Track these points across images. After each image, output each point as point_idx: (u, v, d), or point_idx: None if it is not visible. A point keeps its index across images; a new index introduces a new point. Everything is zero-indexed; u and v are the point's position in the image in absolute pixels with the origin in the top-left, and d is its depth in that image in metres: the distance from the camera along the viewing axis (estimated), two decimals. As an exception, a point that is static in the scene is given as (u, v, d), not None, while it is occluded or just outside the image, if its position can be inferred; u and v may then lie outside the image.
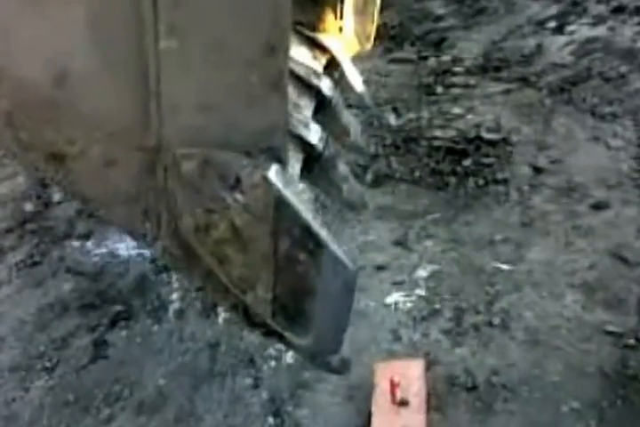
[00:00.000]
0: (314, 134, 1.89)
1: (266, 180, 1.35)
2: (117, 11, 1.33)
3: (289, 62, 1.35)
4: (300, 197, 1.42)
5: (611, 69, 5.12)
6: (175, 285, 3.76)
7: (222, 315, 3.59)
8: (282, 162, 1.37)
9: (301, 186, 1.56)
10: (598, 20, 5.67)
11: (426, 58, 5.44)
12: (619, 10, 5.70)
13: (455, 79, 5.18)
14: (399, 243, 3.95)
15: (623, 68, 5.11)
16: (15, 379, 3.37)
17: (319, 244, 1.42)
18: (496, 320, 3.51)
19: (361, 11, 2.49)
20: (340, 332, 1.59)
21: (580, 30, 5.57)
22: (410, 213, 4.13)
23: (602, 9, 5.79)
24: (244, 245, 1.44)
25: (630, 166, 4.33)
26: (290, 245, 1.42)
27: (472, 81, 5.14)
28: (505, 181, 4.30)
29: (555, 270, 3.74)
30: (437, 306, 3.61)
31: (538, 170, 4.37)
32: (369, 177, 4.34)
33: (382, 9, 5.68)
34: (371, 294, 3.68)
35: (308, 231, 1.41)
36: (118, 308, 3.66)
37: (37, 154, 1.55)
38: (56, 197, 4.43)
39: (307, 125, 1.91)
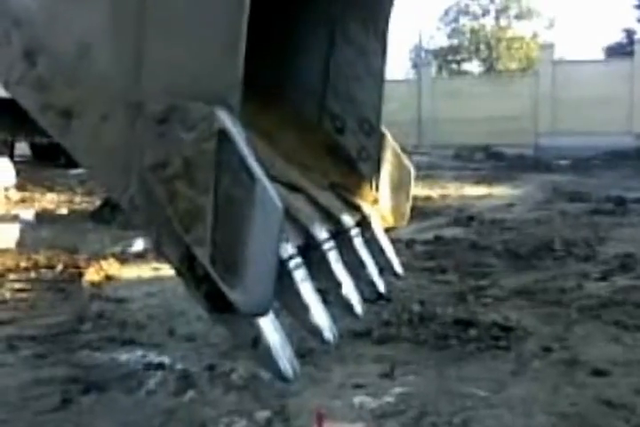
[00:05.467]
0: (317, 228, 2.15)
1: (213, 114, 1.61)
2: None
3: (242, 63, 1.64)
4: (241, 136, 1.61)
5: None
6: (158, 375, 4.15)
7: (188, 395, 3.89)
8: (232, 110, 1.64)
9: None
10: (640, 276, 6.22)
11: (465, 281, 6.05)
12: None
13: (488, 293, 5.70)
14: (385, 375, 4.19)
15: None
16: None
17: (252, 178, 1.55)
18: (456, 421, 3.62)
19: (396, 188, 2.60)
20: (268, 285, 1.59)
21: (623, 280, 6.08)
22: (405, 361, 4.43)
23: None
24: (191, 180, 1.64)
25: (644, 358, 4.47)
26: (228, 179, 1.58)
27: (504, 295, 5.64)
28: (507, 348, 4.56)
29: (533, 402, 3.84)
30: (402, 407, 3.76)
31: (546, 349, 4.58)
32: (375, 336, 4.74)
33: (439, 257, 6.56)
34: (340, 397, 3.89)
35: (243, 165, 1.56)
36: (97, 382, 4.00)
37: (52, 112, 1.96)
38: (85, 327, 5.12)
39: (312, 221, 2.16)
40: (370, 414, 3.69)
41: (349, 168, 2.55)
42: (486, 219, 9.53)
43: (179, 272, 1.80)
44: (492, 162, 21.12)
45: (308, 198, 2.35)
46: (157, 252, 1.87)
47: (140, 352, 4.55)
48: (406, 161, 2.63)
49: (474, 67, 38.58)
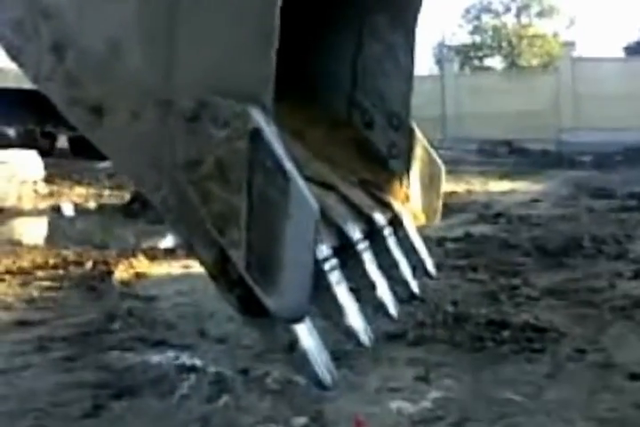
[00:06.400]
0: (351, 228, 2.09)
1: (246, 112, 1.55)
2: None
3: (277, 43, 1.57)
4: (275, 135, 1.55)
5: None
6: (191, 379, 4.03)
7: (223, 400, 3.78)
8: (265, 108, 1.58)
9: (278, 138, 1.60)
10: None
11: (497, 280, 5.91)
12: None
13: (520, 293, 5.56)
14: (421, 378, 4.07)
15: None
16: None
17: (287, 178, 1.49)
18: (497, 428, 3.50)
19: (427, 185, 2.54)
20: (304, 290, 1.53)
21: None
22: (440, 364, 4.30)
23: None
24: (224, 180, 1.58)
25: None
26: (262, 179, 1.53)
27: (536, 295, 5.50)
28: (541, 351, 4.42)
29: (571, 408, 3.72)
30: (440, 413, 3.64)
31: (580, 351, 4.45)
32: (409, 337, 4.62)
33: (469, 255, 6.42)
34: (377, 402, 3.77)
35: (277, 165, 1.51)
36: (129, 386, 3.90)
37: (82, 108, 1.90)
38: (115, 326, 5.02)
39: (346, 221, 2.11)
40: (408, 420, 3.57)
41: (379, 165, 2.49)
42: (513, 215, 9.40)
43: (211, 274, 1.73)
44: (515, 157, 20.90)
45: (339, 197, 2.27)
46: (189, 252, 1.77)
47: (171, 354, 4.45)
48: (436, 158, 2.56)
49: (496, 63, 38.33)
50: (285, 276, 1.52)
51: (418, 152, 2.52)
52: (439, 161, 2.56)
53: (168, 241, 8.09)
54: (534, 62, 35.74)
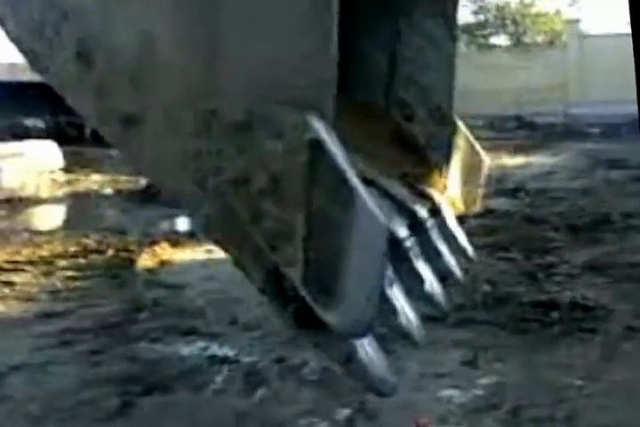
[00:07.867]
0: (397, 226, 2.00)
1: (305, 122, 1.36)
2: None
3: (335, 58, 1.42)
4: (337, 145, 1.38)
5: None
6: (224, 371, 3.71)
7: (259, 393, 3.46)
8: (325, 117, 1.39)
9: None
10: None
11: (531, 258, 5.57)
12: None
13: (558, 270, 5.21)
14: (468, 363, 3.75)
15: None
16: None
17: (351, 193, 1.34)
18: (560, 415, 3.17)
19: (468, 176, 2.47)
20: (368, 306, 1.39)
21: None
22: (486, 346, 3.97)
23: None
24: (279, 196, 1.40)
25: None
26: (322, 194, 1.36)
27: (575, 272, 5.15)
28: (593, 331, 4.09)
29: (634, 388, 3.41)
30: (495, 401, 3.32)
31: (632, 329, 4.13)
32: (451, 319, 4.27)
33: (496, 231, 6.07)
34: (424, 389, 3.45)
35: (340, 179, 1.35)
36: (159, 380, 3.59)
37: (113, 119, 1.68)
38: (142, 316, 4.70)
39: (392, 219, 1.98)
40: (460, 410, 3.25)
41: (419, 156, 2.41)
42: (532, 189, 9.04)
43: (262, 291, 1.58)
44: (525, 131, 20.51)
45: (381, 192, 2.16)
46: (237, 268, 1.58)
47: (201, 344, 4.14)
48: (479, 149, 2.49)
49: (501, 41, 37.81)
50: (350, 292, 1.37)
51: (459, 143, 2.45)
52: (482, 153, 2.48)
53: (186, 224, 7.81)
54: (539, 39, 35.32)
